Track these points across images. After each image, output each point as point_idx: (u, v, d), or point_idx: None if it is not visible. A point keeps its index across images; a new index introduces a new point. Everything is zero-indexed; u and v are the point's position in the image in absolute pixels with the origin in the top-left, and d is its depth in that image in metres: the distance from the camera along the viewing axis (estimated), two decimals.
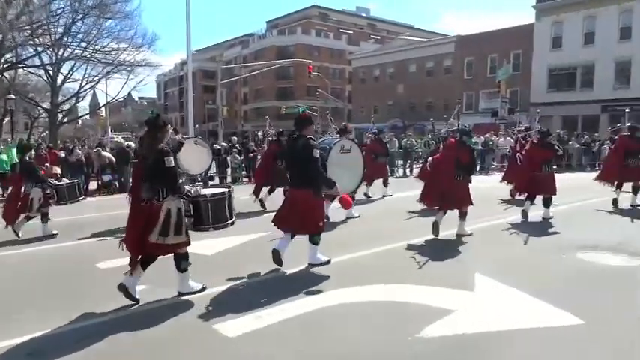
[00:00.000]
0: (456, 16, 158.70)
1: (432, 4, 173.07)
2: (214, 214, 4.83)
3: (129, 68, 29.73)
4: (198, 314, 4.23)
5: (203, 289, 4.76)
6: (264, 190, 10.58)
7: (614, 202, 10.02)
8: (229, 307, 4.37)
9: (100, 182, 15.49)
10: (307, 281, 5.12)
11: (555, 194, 8.79)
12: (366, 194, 11.79)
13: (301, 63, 52.48)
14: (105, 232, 7.94)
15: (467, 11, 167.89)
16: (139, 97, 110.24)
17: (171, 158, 4.33)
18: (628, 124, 11.57)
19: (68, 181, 8.94)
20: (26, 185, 7.80)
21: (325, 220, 6.02)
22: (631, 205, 10.03)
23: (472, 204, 7.35)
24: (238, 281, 5.16)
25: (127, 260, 4.51)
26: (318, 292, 4.76)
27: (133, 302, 4.44)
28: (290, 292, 4.68)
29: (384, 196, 12.17)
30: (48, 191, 7.91)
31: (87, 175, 15.40)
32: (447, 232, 7.21)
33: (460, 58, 42.32)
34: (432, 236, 7.08)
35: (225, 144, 19.62)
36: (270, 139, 11.79)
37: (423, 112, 44.68)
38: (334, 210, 8.16)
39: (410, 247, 6.66)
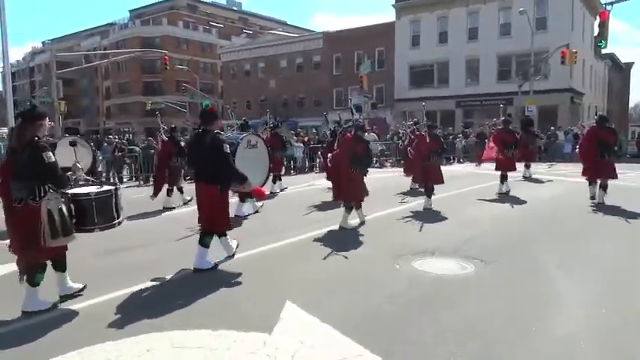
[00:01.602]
0: (327, 16, 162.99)
1: (304, 3, 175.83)
2: (100, 214, 4.40)
3: None
4: None
5: (84, 287, 4.59)
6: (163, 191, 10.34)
7: (507, 192, 10.66)
8: None
9: None
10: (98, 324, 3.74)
11: (442, 183, 9.30)
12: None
13: (168, 56, 48.88)
14: None
15: (337, 12, 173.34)
16: None
17: (50, 153, 4.00)
18: (503, 118, 12.22)
19: None
20: None
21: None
22: (501, 193, 10.72)
23: (367, 194, 7.76)
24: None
25: None
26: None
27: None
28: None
29: (280, 191, 12.46)
30: None
31: None
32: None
33: (329, 55, 42.55)
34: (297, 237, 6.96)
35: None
36: (163, 136, 11.40)
37: (295, 109, 44.37)
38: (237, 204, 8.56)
39: (258, 255, 6.03)
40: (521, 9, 27.63)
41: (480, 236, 6.86)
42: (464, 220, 8.14)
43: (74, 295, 4.48)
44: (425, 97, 34.98)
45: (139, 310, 4.17)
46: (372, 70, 34.26)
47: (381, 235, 7.05)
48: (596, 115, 10.42)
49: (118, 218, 4.59)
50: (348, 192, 7.48)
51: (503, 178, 10.88)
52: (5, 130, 18.65)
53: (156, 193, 10.24)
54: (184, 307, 4.22)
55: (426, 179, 9.28)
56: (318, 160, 20.24)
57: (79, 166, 4.52)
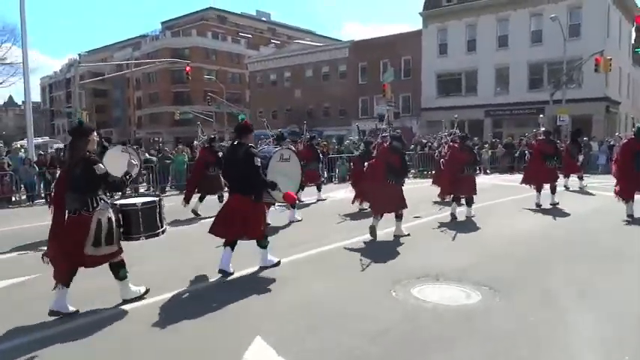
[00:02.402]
0: (356, 26, 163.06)
1: (333, 13, 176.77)
2: (145, 223, 4.69)
3: None
4: None
5: (147, 291, 4.75)
6: (195, 197, 10.50)
7: (538, 204, 10.26)
8: None
9: None
10: None
11: (475, 194, 9.20)
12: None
13: (197, 67, 49.60)
14: None
15: (366, 21, 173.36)
16: (23, 102, 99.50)
17: (101, 165, 4.31)
18: (543, 129, 12.01)
19: None
20: None
21: (268, 224, 6.00)
22: (551, 204, 10.29)
23: (406, 207, 7.56)
24: None
25: None
26: None
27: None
28: None
29: (317, 200, 12.48)
30: None
31: None
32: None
33: (354, 63, 42.14)
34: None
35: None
36: (201, 145, 11.78)
37: (320, 118, 44.03)
38: (275, 214, 8.70)
39: (251, 276, 5.45)
40: (552, 15, 26.58)
41: (495, 257, 6.24)
42: (480, 238, 7.56)
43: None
44: (452, 107, 34.34)
45: (83, 348, 3.75)
46: (397, 79, 33.62)
47: (385, 255, 6.48)
48: (634, 127, 9.74)
49: (161, 227, 4.86)
50: (384, 202, 7.38)
51: (539, 190, 10.49)
52: (25, 142, 18.92)
53: (187, 200, 10.33)
54: (140, 341, 3.79)
55: (458, 190, 9.17)
56: (336, 171, 19.83)
57: (134, 162, 4.74)
